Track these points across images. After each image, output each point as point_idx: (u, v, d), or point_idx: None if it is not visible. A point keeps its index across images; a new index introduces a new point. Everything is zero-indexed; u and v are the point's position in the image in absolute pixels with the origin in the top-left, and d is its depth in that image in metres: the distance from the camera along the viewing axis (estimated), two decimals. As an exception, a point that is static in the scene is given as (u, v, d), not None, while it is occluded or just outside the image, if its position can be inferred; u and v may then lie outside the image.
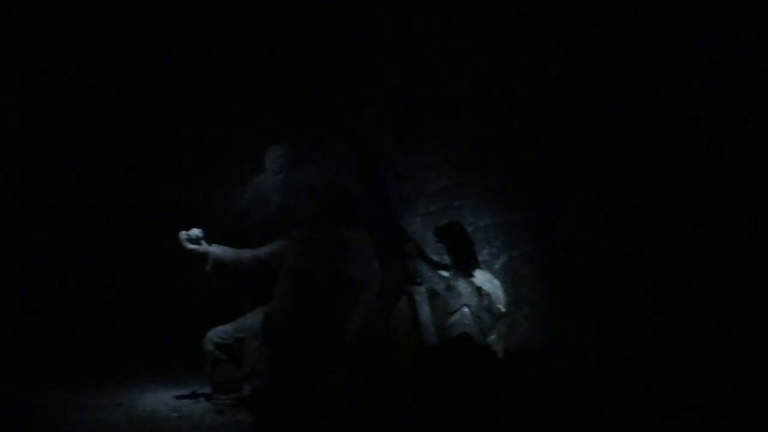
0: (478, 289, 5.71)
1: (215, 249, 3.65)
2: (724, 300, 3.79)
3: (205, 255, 3.61)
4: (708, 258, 3.88)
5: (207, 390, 3.71)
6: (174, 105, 4.89)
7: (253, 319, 3.59)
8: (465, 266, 5.54)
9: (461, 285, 5.16)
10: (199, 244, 3.62)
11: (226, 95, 4.77)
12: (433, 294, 6.18)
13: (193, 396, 3.77)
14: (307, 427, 3.27)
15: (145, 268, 4.70)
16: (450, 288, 5.54)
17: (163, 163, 4.94)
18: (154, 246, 4.22)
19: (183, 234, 3.59)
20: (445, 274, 5.65)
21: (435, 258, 5.78)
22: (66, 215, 4.13)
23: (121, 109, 4.87)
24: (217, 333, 3.61)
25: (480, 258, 5.16)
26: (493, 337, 5.96)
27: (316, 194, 3.67)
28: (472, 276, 5.67)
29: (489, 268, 5.33)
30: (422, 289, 5.78)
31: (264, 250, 3.73)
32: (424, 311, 5.64)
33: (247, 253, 3.71)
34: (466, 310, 4.40)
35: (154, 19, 4.75)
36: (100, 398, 3.64)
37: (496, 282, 5.94)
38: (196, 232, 3.62)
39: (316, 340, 3.39)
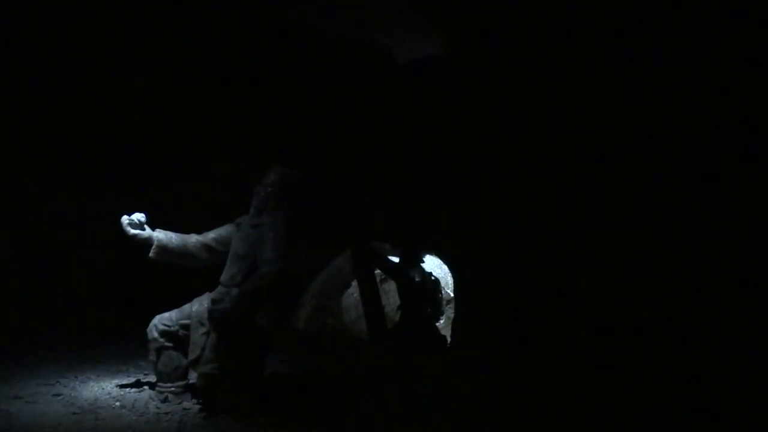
0: (429, 275, 5.82)
1: (159, 234, 3.54)
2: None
3: (148, 240, 3.51)
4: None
5: (151, 378, 3.62)
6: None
7: (199, 305, 3.51)
8: (415, 253, 5.63)
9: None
10: (143, 228, 3.51)
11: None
12: (383, 280, 6.27)
13: (137, 384, 3.67)
14: (253, 413, 3.25)
15: (82, 255, 4.55)
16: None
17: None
18: (92, 232, 4.06)
19: (125, 218, 3.47)
20: (394, 260, 5.72)
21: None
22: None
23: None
24: (162, 320, 3.51)
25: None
26: (441, 321, 6.10)
27: (263, 181, 3.61)
28: (422, 262, 5.76)
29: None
30: (377, 275, 5.85)
31: (210, 236, 3.64)
32: (378, 298, 5.71)
33: (192, 239, 3.62)
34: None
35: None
36: (37, 389, 3.49)
37: (445, 268, 6.05)
38: (138, 216, 3.50)
39: (262, 326, 3.34)
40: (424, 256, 5.73)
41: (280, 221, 3.52)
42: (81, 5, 4.52)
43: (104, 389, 3.58)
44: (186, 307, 3.56)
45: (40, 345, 4.28)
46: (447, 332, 5.60)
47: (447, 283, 6.17)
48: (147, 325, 3.52)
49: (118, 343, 4.24)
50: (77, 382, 3.67)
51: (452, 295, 5.89)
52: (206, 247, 3.63)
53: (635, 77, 3.85)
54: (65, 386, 3.59)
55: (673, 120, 3.82)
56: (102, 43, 4.74)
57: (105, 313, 4.71)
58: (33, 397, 3.37)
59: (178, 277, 3.88)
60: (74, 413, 3.21)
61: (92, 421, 3.13)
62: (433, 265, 6.05)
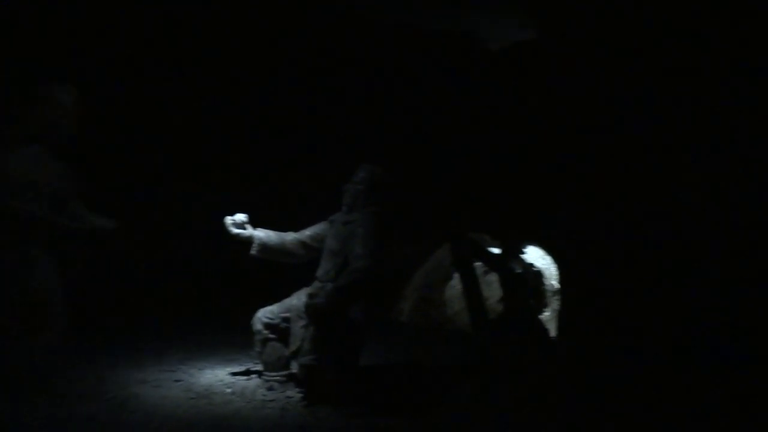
0: (531, 266, 5.69)
1: (259, 233, 3.79)
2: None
3: (250, 239, 3.76)
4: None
5: (259, 368, 3.87)
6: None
7: (298, 299, 3.70)
8: (515, 244, 5.53)
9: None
10: (244, 228, 3.77)
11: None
12: (485, 272, 6.21)
13: (247, 373, 3.95)
14: (350, 402, 3.39)
15: (202, 254, 4.97)
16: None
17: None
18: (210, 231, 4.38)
19: (228, 219, 3.75)
20: (495, 251, 5.65)
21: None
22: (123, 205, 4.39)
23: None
24: (265, 313, 3.75)
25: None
26: (547, 313, 5.94)
27: (353, 180, 3.73)
28: (523, 253, 5.64)
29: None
30: (477, 267, 5.82)
31: (306, 233, 3.83)
32: (479, 290, 5.69)
33: (289, 236, 3.83)
34: None
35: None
36: (161, 375, 3.87)
37: (548, 258, 5.88)
38: (240, 216, 3.76)
39: (356, 318, 3.47)
40: (525, 247, 5.61)
41: (369, 218, 3.62)
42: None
43: (218, 377, 3.89)
44: (287, 301, 3.77)
45: (164, 335, 4.72)
46: (552, 324, 5.47)
47: (552, 274, 6.00)
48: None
49: (231, 335, 4.56)
50: (195, 370, 4.01)
51: (557, 286, 5.73)
52: (302, 244, 3.82)
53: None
54: (184, 373, 3.94)
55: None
56: (209, 40, 5.09)
57: (220, 306, 5.10)
58: (157, 382, 3.74)
59: (279, 272, 4.11)
60: (191, 398, 3.53)
61: (206, 406, 3.42)
62: (536, 255, 5.91)
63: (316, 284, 3.66)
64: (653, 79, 4.27)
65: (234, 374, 3.94)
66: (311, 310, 3.47)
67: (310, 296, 3.58)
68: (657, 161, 4.26)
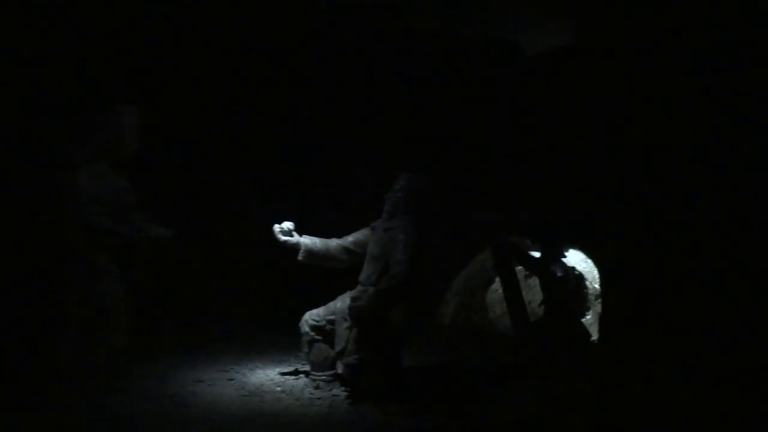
0: (572, 269, 5.72)
1: (306, 240, 4.00)
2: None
3: (296, 245, 3.98)
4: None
5: (307, 368, 4.08)
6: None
7: (342, 302, 3.89)
8: (556, 248, 5.57)
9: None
10: (291, 235, 3.99)
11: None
12: (526, 276, 6.27)
13: (295, 373, 4.15)
14: (392, 401, 3.55)
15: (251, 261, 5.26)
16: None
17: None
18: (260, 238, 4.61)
19: (276, 227, 3.98)
20: (536, 255, 5.71)
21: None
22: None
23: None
24: (311, 315, 3.95)
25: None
26: (588, 317, 5.95)
27: (393, 188, 3.90)
28: (564, 257, 5.68)
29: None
30: (518, 271, 5.89)
31: (349, 239, 4.02)
32: (520, 294, 5.76)
33: (334, 243, 4.03)
34: None
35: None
36: (216, 374, 4.12)
37: (590, 262, 5.90)
38: (288, 224, 3.99)
39: (397, 321, 3.63)
40: (566, 250, 5.65)
41: (409, 224, 3.79)
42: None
43: (268, 376, 4.11)
44: (331, 304, 3.96)
45: (219, 337, 4.99)
46: (594, 328, 5.49)
47: (594, 278, 6.01)
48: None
49: (281, 336, 4.79)
50: (247, 369, 4.24)
51: (599, 289, 5.74)
52: (346, 249, 4.01)
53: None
54: (237, 372, 4.17)
55: None
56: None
57: (271, 309, 5.35)
58: (212, 381, 3.98)
59: (325, 277, 4.31)
60: (243, 395, 3.76)
61: (257, 403, 3.64)
62: (577, 259, 5.93)
63: (359, 288, 3.84)
64: (694, 81, 4.29)
65: (283, 374, 4.15)
66: (354, 313, 3.66)
67: (353, 299, 3.75)
68: (700, 163, 4.26)
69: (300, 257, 3.98)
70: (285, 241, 3.96)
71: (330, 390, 3.83)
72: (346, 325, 3.81)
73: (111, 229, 3.80)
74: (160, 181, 4.83)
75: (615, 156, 4.77)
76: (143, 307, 4.19)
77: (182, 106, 5.25)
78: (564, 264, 5.54)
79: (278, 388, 3.88)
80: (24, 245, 3.92)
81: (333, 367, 3.91)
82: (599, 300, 5.93)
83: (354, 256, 4.01)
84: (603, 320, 5.09)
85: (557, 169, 5.34)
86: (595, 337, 5.29)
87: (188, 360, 4.40)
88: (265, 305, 5.43)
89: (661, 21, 4.29)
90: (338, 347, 3.83)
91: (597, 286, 5.96)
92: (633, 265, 4.65)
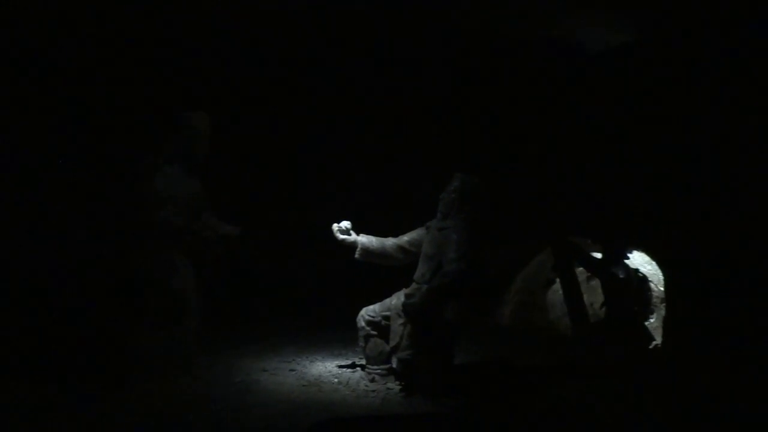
0: (635, 271, 5.60)
1: (362, 238, 4.17)
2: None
3: (354, 244, 4.15)
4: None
5: (363, 361, 4.25)
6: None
7: (397, 299, 4.03)
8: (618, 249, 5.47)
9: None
10: (349, 234, 4.17)
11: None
12: (588, 277, 6.17)
13: (352, 366, 4.34)
14: (444, 395, 3.65)
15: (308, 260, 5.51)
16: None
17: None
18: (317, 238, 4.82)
19: (335, 226, 4.17)
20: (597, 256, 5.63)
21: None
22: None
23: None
24: (368, 311, 4.12)
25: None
26: (652, 320, 5.80)
27: (447, 188, 4.00)
28: (627, 258, 5.57)
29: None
30: (579, 272, 5.81)
31: (404, 238, 4.16)
32: (580, 295, 5.69)
33: (389, 241, 4.18)
34: None
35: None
36: (278, 365, 4.36)
37: (654, 264, 5.74)
38: (345, 224, 4.17)
39: (449, 318, 3.73)
40: (629, 252, 5.53)
41: (462, 224, 3.88)
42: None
43: (326, 368, 4.31)
44: (387, 301, 4.11)
45: (282, 330, 5.25)
46: (659, 332, 5.35)
47: (659, 281, 5.84)
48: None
49: (340, 331, 4.98)
50: (307, 361, 4.46)
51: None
52: (401, 248, 4.15)
53: None
54: (298, 364, 4.40)
55: None
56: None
57: (331, 305, 5.57)
58: (275, 371, 4.22)
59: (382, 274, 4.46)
60: (303, 385, 3.97)
61: (315, 393, 3.84)
62: (641, 261, 5.79)
63: (413, 285, 3.97)
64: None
65: (341, 366, 4.34)
66: (408, 309, 3.79)
67: (407, 296, 3.89)
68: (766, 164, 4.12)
69: (357, 255, 4.16)
70: (343, 240, 4.14)
71: (384, 383, 3.98)
72: (400, 321, 3.94)
73: (184, 228, 4.09)
74: (228, 183, 5.13)
75: (680, 156, 4.66)
76: (214, 300, 4.49)
77: (245, 110, 5.55)
78: (626, 266, 5.43)
79: (335, 380, 4.07)
80: (107, 243, 4.29)
81: (388, 361, 4.06)
82: (664, 303, 5.77)
83: (409, 255, 4.14)
84: (667, 324, 4.97)
85: (620, 168, 5.25)
86: (659, 340, 5.16)
87: (254, 350, 4.68)
88: (325, 301, 5.66)
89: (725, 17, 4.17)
90: (393, 342, 3.97)
91: (662, 288, 5.80)
92: (698, 267, 4.53)
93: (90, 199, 5.00)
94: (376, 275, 4.51)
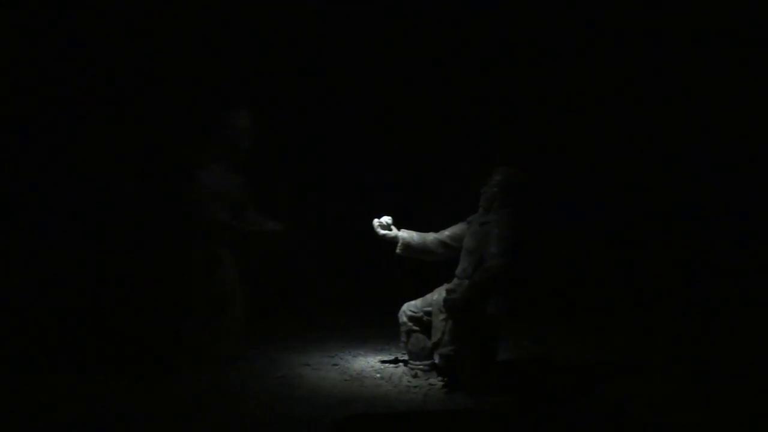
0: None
1: (403, 233, 4.14)
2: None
3: (395, 239, 4.14)
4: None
5: (405, 357, 4.23)
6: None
7: (438, 294, 3.99)
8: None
9: None
10: (390, 229, 4.15)
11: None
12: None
13: (394, 361, 4.32)
14: (486, 392, 3.61)
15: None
16: None
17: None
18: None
19: (376, 221, 4.16)
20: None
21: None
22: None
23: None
24: (409, 307, 4.09)
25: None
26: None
27: (489, 182, 3.93)
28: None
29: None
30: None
31: (445, 233, 4.12)
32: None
33: (431, 236, 4.14)
34: None
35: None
36: (321, 359, 4.39)
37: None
38: (386, 219, 4.16)
39: (491, 314, 3.68)
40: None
41: (504, 219, 3.81)
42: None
43: (369, 363, 4.31)
44: (429, 296, 4.08)
45: (325, 325, 5.27)
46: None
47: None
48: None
49: (382, 326, 4.99)
50: (350, 356, 4.47)
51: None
52: (442, 243, 4.11)
53: None
54: (341, 358, 4.41)
55: None
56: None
57: (373, 301, 5.59)
58: (318, 366, 4.25)
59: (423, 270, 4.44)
60: (345, 380, 3.98)
61: (358, 388, 3.85)
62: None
63: (455, 281, 3.93)
64: None
65: (383, 362, 4.34)
66: (449, 305, 3.75)
67: (448, 292, 3.85)
68: None
69: (398, 250, 4.13)
70: (384, 235, 4.13)
71: (427, 379, 3.95)
72: (442, 316, 3.91)
73: (229, 223, 4.17)
74: (271, 179, 5.21)
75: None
76: (257, 294, 4.56)
77: (288, 106, 5.61)
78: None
79: (378, 375, 4.07)
80: (155, 239, 4.43)
81: (430, 356, 4.03)
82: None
83: (450, 250, 4.09)
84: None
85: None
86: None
87: (297, 345, 4.72)
88: (368, 296, 5.68)
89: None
90: (435, 338, 3.94)
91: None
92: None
93: (143, 198, 5.17)
94: (418, 270, 4.49)
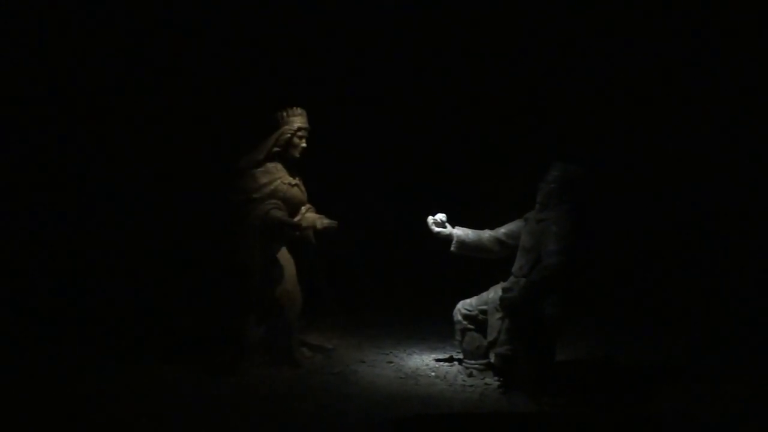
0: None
1: (458, 231, 4.10)
2: None
3: (449, 236, 4.10)
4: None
5: (460, 356, 4.19)
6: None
7: (494, 293, 3.93)
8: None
9: None
10: (444, 227, 4.12)
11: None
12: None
13: (450, 360, 4.30)
14: (544, 393, 3.53)
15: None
16: None
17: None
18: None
19: (430, 219, 4.13)
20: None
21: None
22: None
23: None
24: (464, 305, 4.06)
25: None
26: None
27: (546, 178, 3.84)
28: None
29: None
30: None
31: (501, 231, 4.05)
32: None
33: (486, 234, 4.08)
34: None
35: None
36: (376, 356, 4.40)
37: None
38: (440, 216, 4.12)
39: (549, 314, 3.59)
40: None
41: (562, 215, 3.71)
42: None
43: (424, 361, 4.30)
44: (484, 295, 4.03)
45: (381, 322, 5.28)
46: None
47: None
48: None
49: (438, 325, 4.95)
50: (405, 354, 4.47)
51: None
52: (498, 241, 4.04)
53: None
54: (396, 356, 4.42)
55: None
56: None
57: (429, 299, 5.56)
58: (373, 362, 4.27)
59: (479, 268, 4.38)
60: (400, 377, 3.99)
61: (412, 386, 3.85)
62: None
63: (511, 279, 3.86)
64: None
65: (438, 360, 4.32)
66: (505, 304, 3.69)
67: (505, 290, 3.78)
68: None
69: (453, 248, 4.09)
70: (438, 233, 4.10)
71: (483, 378, 3.91)
72: (498, 315, 3.85)
73: (285, 222, 4.23)
74: (327, 178, 5.25)
75: None
76: (314, 292, 4.62)
77: (340, 107, 5.66)
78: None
79: (432, 374, 4.06)
80: (213, 238, 4.54)
81: (486, 355, 3.98)
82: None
83: (506, 248, 4.02)
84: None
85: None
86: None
87: (353, 342, 4.75)
88: (424, 294, 5.66)
89: None
90: (490, 337, 3.89)
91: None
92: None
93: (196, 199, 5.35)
94: (473, 268, 4.43)
